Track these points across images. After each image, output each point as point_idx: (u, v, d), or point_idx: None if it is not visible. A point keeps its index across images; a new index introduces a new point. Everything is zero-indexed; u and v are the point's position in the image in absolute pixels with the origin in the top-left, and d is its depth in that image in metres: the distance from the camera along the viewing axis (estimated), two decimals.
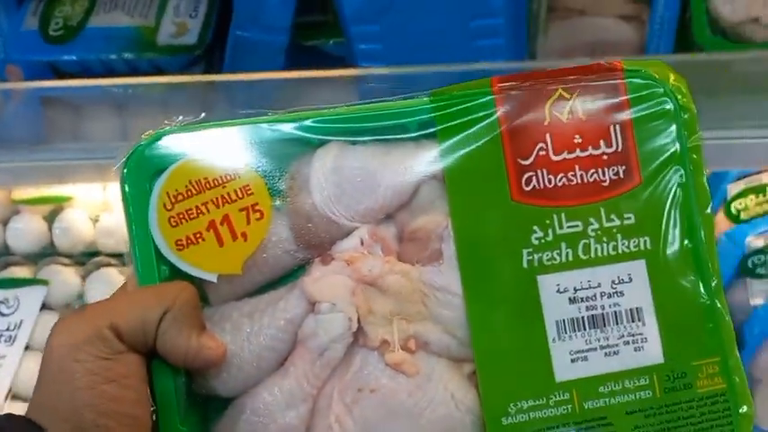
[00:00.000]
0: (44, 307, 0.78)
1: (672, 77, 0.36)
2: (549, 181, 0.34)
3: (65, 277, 0.78)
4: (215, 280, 0.36)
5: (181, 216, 0.35)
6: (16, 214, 0.81)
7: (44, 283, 0.78)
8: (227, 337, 0.36)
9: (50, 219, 0.80)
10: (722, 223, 0.79)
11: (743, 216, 0.77)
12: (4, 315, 0.77)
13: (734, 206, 0.77)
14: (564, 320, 0.34)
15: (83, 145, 0.57)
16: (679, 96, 0.35)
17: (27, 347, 0.76)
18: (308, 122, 0.36)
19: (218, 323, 0.36)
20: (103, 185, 0.79)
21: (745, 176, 0.78)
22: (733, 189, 0.79)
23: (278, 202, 0.36)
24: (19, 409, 0.69)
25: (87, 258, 0.79)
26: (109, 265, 0.79)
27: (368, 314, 0.35)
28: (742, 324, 0.76)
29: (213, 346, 0.34)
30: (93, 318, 0.32)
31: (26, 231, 0.79)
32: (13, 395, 0.74)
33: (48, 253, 0.80)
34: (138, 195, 0.36)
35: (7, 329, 0.76)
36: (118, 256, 0.78)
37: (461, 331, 0.35)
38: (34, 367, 0.72)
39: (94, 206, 0.80)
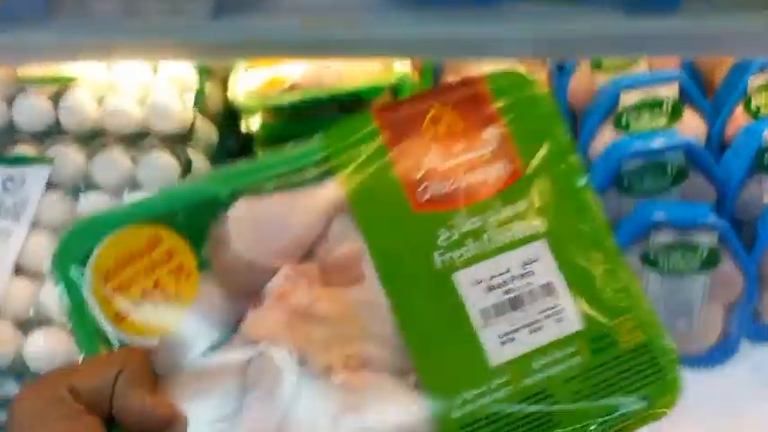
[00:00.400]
0: (49, 186, 0.79)
1: (529, 77, 0.41)
2: (443, 187, 0.38)
3: (70, 156, 0.80)
4: (156, 343, 0.38)
5: (114, 290, 0.38)
6: (22, 92, 0.81)
7: (49, 161, 0.79)
8: (183, 396, 0.37)
9: (56, 99, 0.81)
10: (741, 117, 0.82)
11: (762, 112, 0.80)
12: (9, 191, 0.78)
13: (753, 101, 0.80)
14: (486, 308, 0.37)
15: (88, 22, 0.58)
16: (538, 92, 0.41)
17: (33, 224, 0.78)
18: (215, 183, 0.39)
19: (172, 383, 0.38)
20: (108, 66, 0.82)
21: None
22: (755, 82, 0.81)
23: (203, 262, 0.39)
24: (23, 284, 0.74)
25: (93, 139, 0.81)
26: (114, 144, 0.80)
27: (307, 344, 0.37)
28: (755, 220, 0.78)
29: (166, 406, 0.36)
30: (53, 381, 0.34)
31: (32, 109, 0.80)
32: (18, 269, 0.76)
33: (53, 132, 0.81)
34: (72, 282, 0.38)
35: (13, 206, 0.78)
36: (123, 137, 0.81)
37: (396, 343, 0.37)
38: (38, 243, 0.77)
39: (99, 86, 0.82)
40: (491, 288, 0.37)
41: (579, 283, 0.38)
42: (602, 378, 0.37)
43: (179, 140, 0.81)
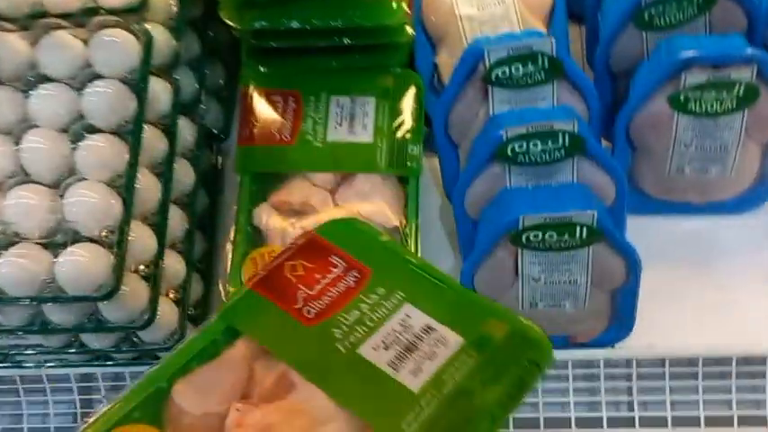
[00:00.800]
0: None
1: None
2: (320, 304, 0.50)
3: (11, 45, 0.70)
4: None
5: None
6: None
7: None
8: None
9: None
10: None
11: None
12: None
13: None
14: (391, 360, 0.47)
15: None
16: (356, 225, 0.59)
17: None
18: (155, 378, 0.48)
19: None
20: None
21: None
22: None
23: None
24: None
25: (32, 21, 0.71)
26: (59, 27, 0.71)
27: None
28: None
29: None
30: None
31: None
32: None
33: None
34: None
35: None
36: (68, 15, 0.71)
37: (343, 415, 0.45)
38: None
39: None
40: (387, 347, 0.47)
41: (443, 313, 0.50)
42: (496, 367, 0.47)
43: (133, 14, 0.70)
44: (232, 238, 0.78)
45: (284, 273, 0.51)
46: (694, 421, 0.75)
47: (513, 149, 0.67)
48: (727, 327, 0.75)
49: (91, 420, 0.44)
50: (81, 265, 0.63)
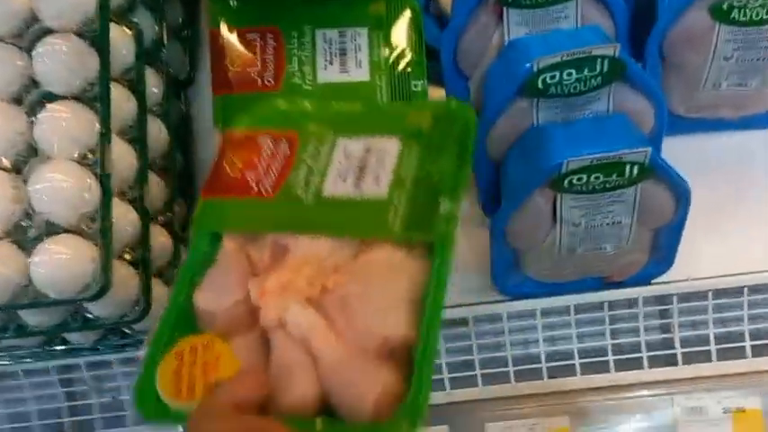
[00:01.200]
0: None
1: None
2: (271, 178, 0.51)
3: None
4: None
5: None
6: None
7: None
8: None
9: None
10: None
11: None
12: None
13: None
14: (352, 185, 0.50)
15: None
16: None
17: None
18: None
19: None
20: None
21: None
22: None
23: None
24: None
25: None
26: None
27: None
28: None
29: None
30: None
31: None
32: None
33: None
34: None
35: None
36: None
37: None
38: None
39: None
40: (344, 178, 0.50)
41: (372, 129, 0.52)
42: (435, 143, 0.50)
43: None
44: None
45: (226, 172, 0.52)
46: (739, 353, 0.71)
47: (544, 81, 0.58)
48: None
49: (143, 357, 0.45)
50: (62, 264, 0.53)
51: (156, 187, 0.67)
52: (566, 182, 0.58)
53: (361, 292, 0.44)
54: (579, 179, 0.57)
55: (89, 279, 0.54)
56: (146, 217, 0.61)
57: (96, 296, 0.54)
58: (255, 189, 0.51)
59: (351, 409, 0.41)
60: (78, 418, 0.78)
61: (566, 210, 0.60)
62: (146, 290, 0.60)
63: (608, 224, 0.61)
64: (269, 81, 0.69)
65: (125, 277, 0.59)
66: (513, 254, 0.67)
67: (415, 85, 0.69)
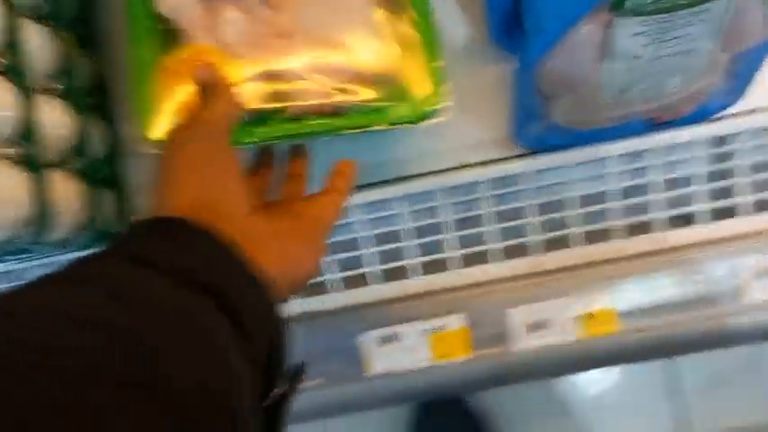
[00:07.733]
0: None
1: None
2: None
3: None
4: None
5: None
6: None
7: None
8: None
9: None
10: None
11: None
12: None
13: None
14: None
15: None
16: None
17: None
18: None
19: None
20: None
21: None
22: None
23: None
24: None
25: None
26: None
27: None
28: None
29: None
30: None
31: None
32: None
33: None
34: None
35: None
36: None
37: None
38: None
39: None
40: None
41: None
42: None
43: None
44: (127, 47, 0.48)
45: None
46: None
47: None
48: None
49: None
50: None
51: (50, 45, 0.47)
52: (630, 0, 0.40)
53: None
54: None
55: None
56: (27, 89, 0.42)
57: None
58: None
59: None
60: None
61: (624, 39, 0.43)
62: (44, 205, 0.42)
63: (679, 53, 0.44)
64: None
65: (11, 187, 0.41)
66: (541, 99, 0.50)
67: None
